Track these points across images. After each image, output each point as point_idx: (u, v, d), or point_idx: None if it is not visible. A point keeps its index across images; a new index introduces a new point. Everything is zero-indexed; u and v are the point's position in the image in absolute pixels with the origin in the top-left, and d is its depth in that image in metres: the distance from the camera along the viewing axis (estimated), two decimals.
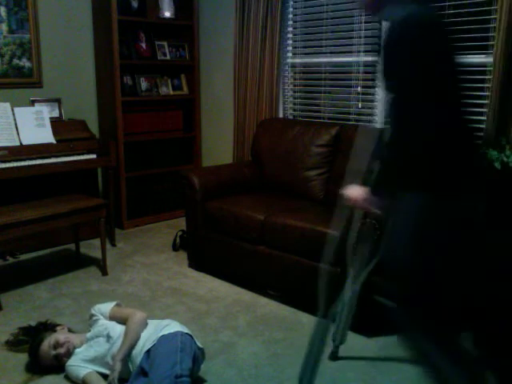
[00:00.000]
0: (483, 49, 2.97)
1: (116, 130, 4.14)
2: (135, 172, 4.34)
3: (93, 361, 2.18)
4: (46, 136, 3.65)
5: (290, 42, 4.04)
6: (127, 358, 2.12)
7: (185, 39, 4.63)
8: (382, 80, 1.73)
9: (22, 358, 2.34)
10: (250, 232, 3.07)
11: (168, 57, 4.53)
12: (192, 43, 4.59)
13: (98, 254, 3.51)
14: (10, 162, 3.34)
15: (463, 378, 1.67)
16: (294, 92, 4.11)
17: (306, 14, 3.88)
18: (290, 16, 3.98)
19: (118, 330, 2.21)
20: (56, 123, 3.80)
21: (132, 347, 2.12)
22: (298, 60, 4.04)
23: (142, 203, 4.42)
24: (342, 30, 3.68)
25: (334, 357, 2.36)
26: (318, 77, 3.91)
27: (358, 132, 2.26)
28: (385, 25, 1.77)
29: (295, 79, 4.09)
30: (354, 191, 1.89)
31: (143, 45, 4.36)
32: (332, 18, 3.72)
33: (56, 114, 3.98)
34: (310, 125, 3.57)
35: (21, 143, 3.50)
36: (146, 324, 2.22)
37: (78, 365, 2.18)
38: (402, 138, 1.64)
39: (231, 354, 2.41)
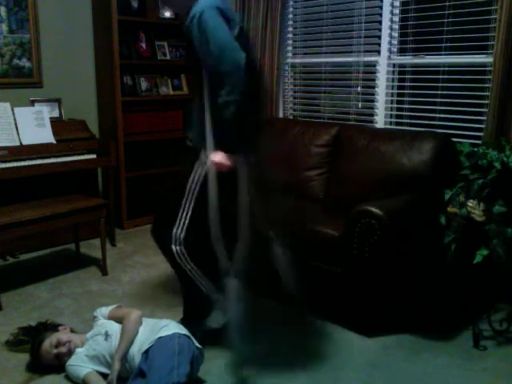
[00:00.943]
0: (483, 49, 2.97)
1: (116, 130, 4.14)
2: (135, 172, 4.34)
3: (93, 360, 2.19)
4: (46, 136, 3.65)
5: (290, 41, 4.05)
6: (125, 357, 2.13)
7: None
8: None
9: (23, 357, 2.34)
10: None
11: (168, 57, 4.53)
12: None
13: (98, 254, 3.51)
14: (10, 162, 3.34)
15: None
16: (294, 92, 4.11)
17: (306, 14, 3.88)
18: (290, 16, 3.98)
19: (115, 328, 2.23)
20: (56, 123, 3.80)
21: (129, 346, 2.13)
22: (297, 60, 4.04)
23: (142, 203, 4.42)
24: (342, 30, 3.68)
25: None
26: (317, 77, 3.91)
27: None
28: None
29: (295, 79, 4.09)
30: (217, 157, 2.17)
31: (143, 45, 4.36)
32: (332, 18, 3.72)
33: (56, 114, 3.98)
34: (310, 125, 3.57)
35: (21, 143, 3.50)
36: (141, 322, 2.24)
37: (79, 364, 2.18)
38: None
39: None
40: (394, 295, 2.69)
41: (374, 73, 3.54)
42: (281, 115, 4.12)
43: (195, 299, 2.45)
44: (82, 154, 3.72)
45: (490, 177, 2.42)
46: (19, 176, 3.37)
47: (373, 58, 3.53)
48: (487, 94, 2.91)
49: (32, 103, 3.84)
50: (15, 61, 3.85)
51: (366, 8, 3.49)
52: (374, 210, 2.43)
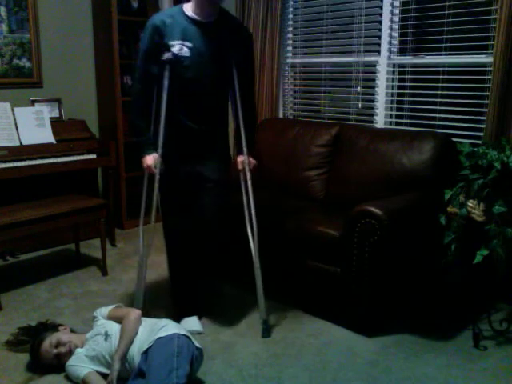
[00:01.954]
0: (483, 49, 2.97)
1: (116, 130, 4.14)
2: (135, 172, 4.33)
3: (93, 360, 2.19)
4: (46, 136, 3.65)
5: (290, 41, 4.04)
6: (125, 357, 2.13)
7: None
8: None
9: (23, 357, 2.34)
10: None
11: None
12: None
13: (98, 254, 3.51)
14: (10, 162, 3.34)
15: None
16: (294, 92, 4.11)
17: (306, 14, 3.88)
18: (290, 16, 3.98)
19: (115, 328, 2.23)
20: (56, 123, 3.81)
21: (129, 346, 2.13)
22: (297, 60, 4.04)
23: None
24: (342, 30, 3.68)
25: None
26: (317, 77, 3.90)
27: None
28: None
29: (295, 79, 4.09)
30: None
31: None
32: (332, 18, 3.72)
33: (56, 114, 3.98)
34: (310, 125, 3.57)
35: (21, 143, 3.50)
36: (141, 322, 2.24)
37: (78, 364, 2.18)
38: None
39: (231, 354, 2.41)
40: (394, 295, 2.70)
41: (374, 73, 3.53)
42: (281, 115, 4.12)
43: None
44: (82, 154, 3.72)
45: (490, 177, 2.41)
46: (19, 176, 3.38)
47: (373, 58, 3.52)
48: (487, 94, 2.90)
49: (32, 103, 3.84)
50: (15, 61, 3.85)
51: (366, 8, 3.49)
52: (373, 209, 2.43)
